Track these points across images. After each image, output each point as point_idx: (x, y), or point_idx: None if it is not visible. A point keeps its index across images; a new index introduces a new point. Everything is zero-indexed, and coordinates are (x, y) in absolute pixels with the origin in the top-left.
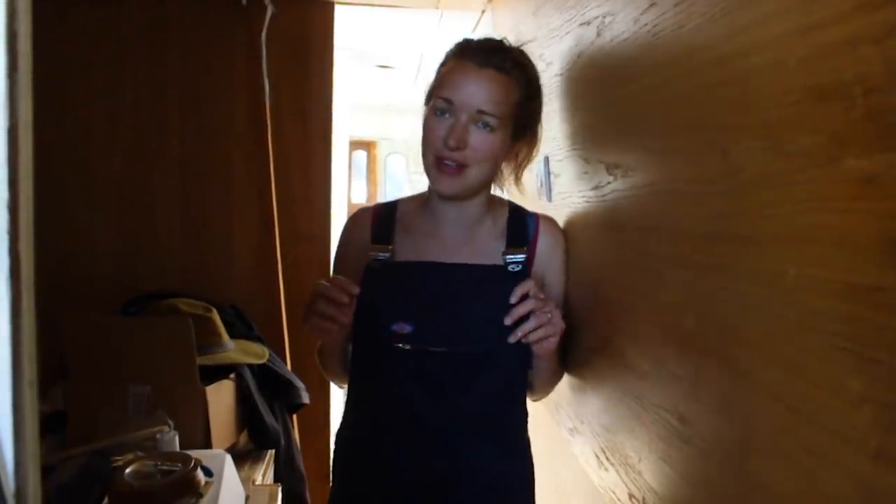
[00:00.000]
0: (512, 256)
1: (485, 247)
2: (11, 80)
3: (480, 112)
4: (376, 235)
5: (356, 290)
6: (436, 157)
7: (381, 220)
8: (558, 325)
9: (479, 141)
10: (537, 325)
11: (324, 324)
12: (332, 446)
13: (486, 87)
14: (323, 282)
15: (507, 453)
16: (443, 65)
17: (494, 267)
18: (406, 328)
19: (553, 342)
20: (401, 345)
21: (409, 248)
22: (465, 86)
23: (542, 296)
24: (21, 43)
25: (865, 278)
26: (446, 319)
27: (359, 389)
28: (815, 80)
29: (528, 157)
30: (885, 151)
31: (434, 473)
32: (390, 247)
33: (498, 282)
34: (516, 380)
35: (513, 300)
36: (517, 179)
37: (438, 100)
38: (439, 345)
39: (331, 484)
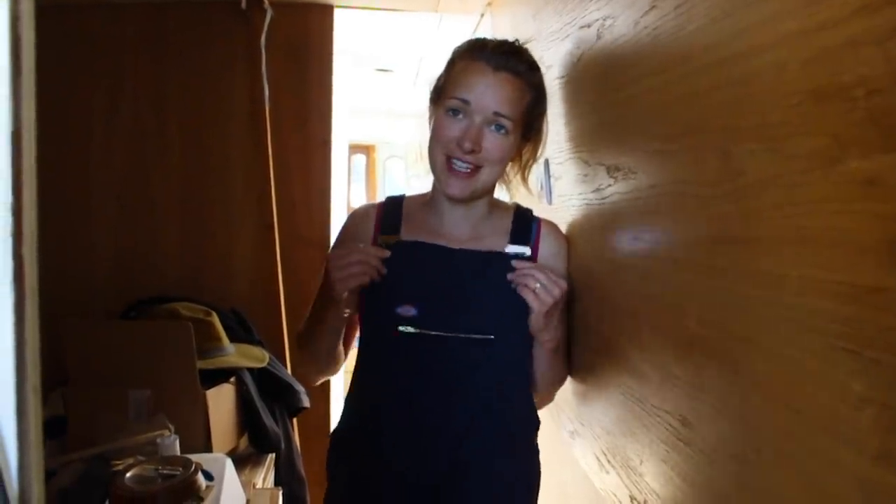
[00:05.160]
0: (515, 248)
1: (489, 243)
2: (15, 84)
3: (496, 114)
4: (384, 226)
5: (386, 253)
6: (447, 158)
7: (387, 213)
8: (557, 288)
9: (494, 144)
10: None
11: (357, 269)
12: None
13: (502, 91)
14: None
15: (511, 453)
16: (454, 63)
17: (498, 254)
18: (411, 311)
19: (548, 300)
20: (404, 328)
21: (415, 238)
22: (481, 88)
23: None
24: (24, 47)
25: (867, 279)
26: (451, 303)
27: (362, 382)
28: (816, 82)
29: (533, 157)
30: (887, 153)
31: (434, 472)
32: (398, 236)
33: (501, 268)
34: (518, 374)
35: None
36: (524, 178)
37: (453, 100)
38: (443, 329)
39: (327, 483)
